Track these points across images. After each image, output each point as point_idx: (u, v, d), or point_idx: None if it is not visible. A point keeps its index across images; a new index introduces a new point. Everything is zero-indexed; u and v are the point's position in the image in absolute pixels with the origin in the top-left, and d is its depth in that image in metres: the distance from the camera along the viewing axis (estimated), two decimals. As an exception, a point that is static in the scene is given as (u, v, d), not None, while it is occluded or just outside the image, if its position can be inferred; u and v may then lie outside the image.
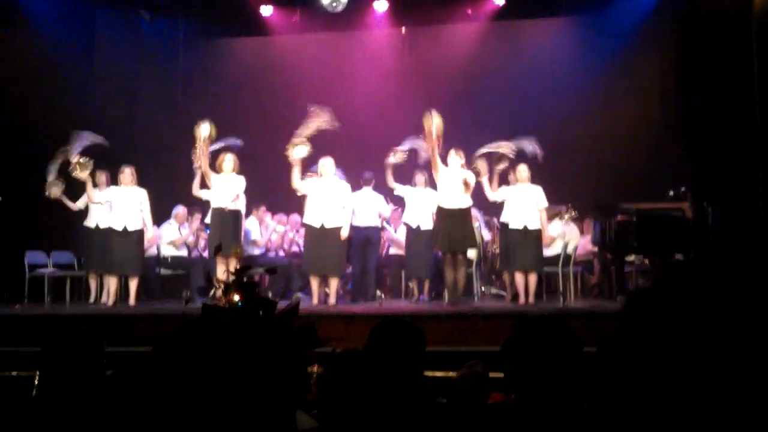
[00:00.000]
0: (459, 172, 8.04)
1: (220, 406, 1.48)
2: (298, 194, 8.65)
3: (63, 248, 9.76)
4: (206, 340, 1.55)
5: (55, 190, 8.97)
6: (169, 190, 10.34)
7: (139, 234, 8.74)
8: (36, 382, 2.68)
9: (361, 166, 9.39)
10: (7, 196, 9.30)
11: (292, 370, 1.75)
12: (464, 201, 8.06)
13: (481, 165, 8.30)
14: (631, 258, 9.31)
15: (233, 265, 7.71)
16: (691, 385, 1.49)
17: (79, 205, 9.31)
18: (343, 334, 6.20)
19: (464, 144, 8.30)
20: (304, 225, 8.77)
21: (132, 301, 8.67)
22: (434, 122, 7.88)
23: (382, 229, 9.78)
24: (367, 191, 9.15)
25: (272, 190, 10.41)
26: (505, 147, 8.35)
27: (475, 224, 8.67)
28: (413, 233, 8.96)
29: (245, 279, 3.69)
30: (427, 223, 8.72)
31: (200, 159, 8.38)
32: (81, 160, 8.66)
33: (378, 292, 9.27)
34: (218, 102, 11.18)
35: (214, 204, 8.48)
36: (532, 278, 8.33)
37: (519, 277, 8.36)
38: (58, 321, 7.27)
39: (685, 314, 1.55)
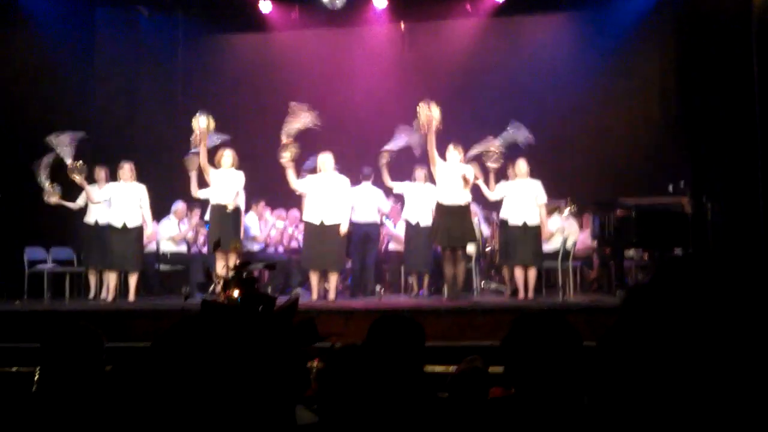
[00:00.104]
0: (458, 168, 8.03)
1: (220, 401, 1.48)
2: (297, 193, 8.65)
3: (62, 244, 9.76)
4: (205, 336, 1.56)
5: (53, 198, 8.97)
6: (169, 186, 10.33)
7: (139, 230, 8.75)
8: (36, 378, 2.69)
9: (361, 162, 9.39)
10: (6, 193, 9.29)
11: (292, 366, 1.75)
12: (463, 196, 8.06)
13: (475, 169, 8.25)
14: (630, 253, 9.32)
15: (232, 260, 7.72)
16: (690, 379, 1.49)
17: (80, 203, 9.31)
18: (343, 329, 6.19)
19: (463, 139, 8.30)
20: (303, 221, 8.77)
21: (131, 296, 8.68)
22: (433, 114, 7.85)
23: (382, 224, 9.78)
24: (367, 186, 9.15)
25: (272, 185, 10.41)
26: (494, 147, 8.30)
27: (475, 219, 8.67)
28: (413, 229, 8.96)
29: (244, 275, 3.70)
30: (426, 219, 8.71)
31: (198, 145, 8.37)
32: (78, 165, 8.68)
33: (377, 288, 9.28)
34: (218, 98, 11.17)
35: (213, 200, 8.48)
36: (532, 273, 8.33)
37: (518, 272, 8.36)
38: (58, 317, 7.27)
39: (685, 309, 1.55)
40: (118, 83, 11.54)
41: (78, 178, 8.75)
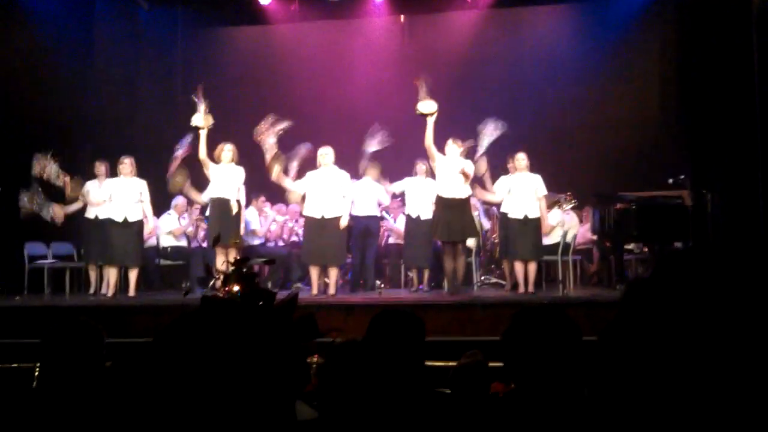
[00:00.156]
0: (457, 162, 8.03)
1: (220, 396, 1.48)
2: (300, 194, 8.62)
3: (62, 239, 9.76)
4: (206, 332, 1.55)
5: (58, 213, 8.98)
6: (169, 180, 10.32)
7: (139, 225, 8.75)
8: (36, 374, 2.69)
9: (361, 155, 9.37)
10: (6, 187, 9.28)
11: (292, 361, 1.75)
12: (463, 190, 8.06)
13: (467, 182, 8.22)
14: (631, 246, 9.31)
15: (233, 255, 7.71)
16: (690, 372, 1.49)
17: (80, 203, 9.30)
18: (343, 324, 6.21)
19: (463, 132, 8.28)
20: (303, 216, 8.76)
21: (132, 291, 8.68)
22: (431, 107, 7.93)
23: (382, 218, 9.77)
24: (367, 180, 9.14)
25: (272, 180, 10.40)
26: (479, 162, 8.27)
27: (475, 213, 8.67)
28: (413, 223, 8.95)
29: (244, 270, 3.70)
30: (427, 213, 8.70)
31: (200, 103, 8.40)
32: (67, 180, 8.82)
33: (377, 282, 9.28)
34: (218, 91, 11.13)
35: (213, 194, 8.47)
36: (532, 267, 8.33)
37: (518, 266, 8.36)
38: (58, 312, 7.28)
39: (685, 303, 1.55)
40: (117, 76, 11.52)
41: (72, 194, 8.88)
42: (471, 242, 8.79)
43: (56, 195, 9.02)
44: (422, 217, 8.81)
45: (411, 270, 9.45)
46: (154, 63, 12.05)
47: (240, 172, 8.49)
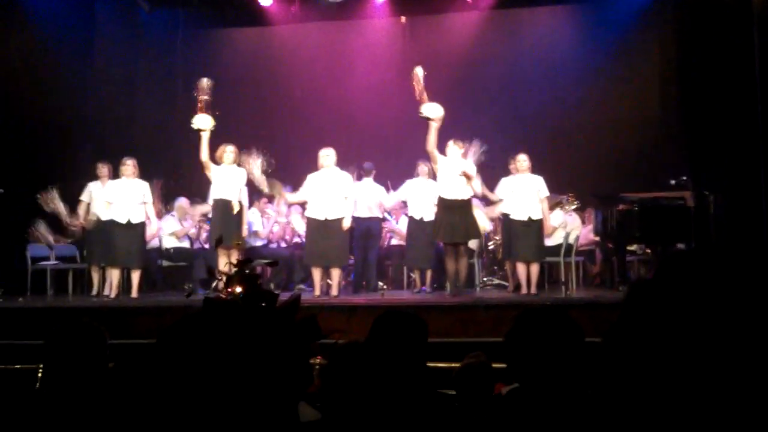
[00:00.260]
0: (459, 163, 8.02)
1: (223, 397, 1.48)
2: (305, 199, 8.62)
3: (60, 225, 9.76)
4: (208, 333, 1.56)
5: (74, 223, 9.07)
6: (171, 181, 10.33)
7: (142, 226, 8.76)
8: (39, 375, 2.69)
9: (362, 157, 9.38)
10: (9, 189, 9.29)
11: (295, 362, 1.75)
12: (465, 192, 8.05)
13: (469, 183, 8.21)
14: (633, 247, 9.30)
15: (235, 256, 7.71)
16: (693, 372, 1.49)
17: (84, 198, 9.32)
18: (346, 325, 6.21)
19: (464, 133, 8.28)
20: (306, 217, 8.76)
21: (134, 293, 8.69)
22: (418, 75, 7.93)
23: (384, 220, 9.77)
24: (368, 182, 9.14)
25: (273, 180, 10.41)
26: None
27: (475, 210, 8.66)
28: (415, 224, 8.95)
29: (247, 271, 3.69)
30: (429, 215, 8.70)
31: (201, 101, 8.40)
32: (71, 219, 8.96)
33: (380, 284, 9.28)
34: (218, 93, 11.16)
35: (215, 196, 8.47)
36: (534, 268, 8.32)
37: (521, 268, 8.35)
38: (61, 314, 7.27)
39: (687, 304, 1.55)
40: (118, 77, 11.54)
41: (78, 221, 8.98)
42: (473, 243, 8.78)
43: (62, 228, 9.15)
44: (425, 219, 8.81)
45: (413, 271, 9.45)
46: (155, 64, 12.05)
47: (242, 174, 8.49)
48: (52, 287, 9.37)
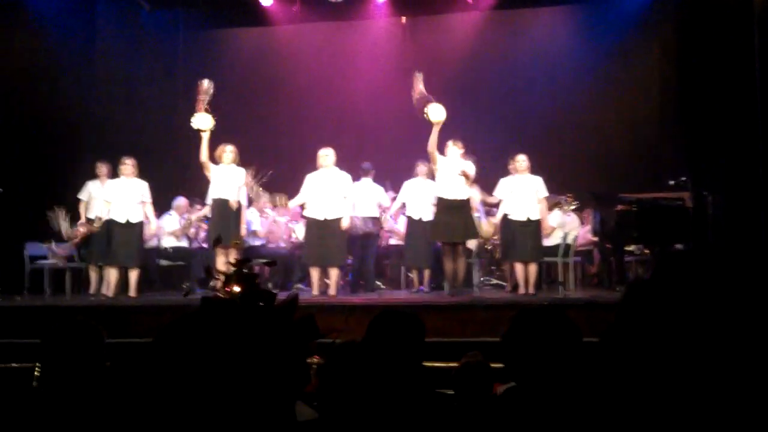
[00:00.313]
0: (458, 163, 8.03)
1: (220, 397, 1.48)
2: (305, 200, 8.63)
3: (63, 240, 9.76)
4: (206, 332, 1.55)
5: (81, 230, 9.05)
6: (170, 180, 10.34)
7: (140, 226, 8.75)
8: (36, 374, 2.69)
9: (361, 157, 9.38)
10: (7, 188, 9.29)
11: (292, 362, 1.75)
12: (464, 192, 8.05)
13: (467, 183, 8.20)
14: (631, 248, 9.31)
15: (233, 256, 7.71)
16: (690, 373, 1.49)
17: (83, 198, 9.31)
18: (343, 325, 6.20)
19: (464, 134, 8.28)
20: (304, 217, 8.76)
21: (132, 292, 8.68)
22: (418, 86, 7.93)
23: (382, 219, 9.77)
24: (367, 182, 9.14)
25: (272, 180, 10.40)
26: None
27: (476, 215, 8.67)
28: (413, 224, 8.96)
29: (245, 270, 3.69)
30: (427, 215, 8.70)
31: (201, 101, 8.38)
32: (72, 233, 8.91)
33: (378, 283, 9.28)
34: (218, 92, 11.16)
35: (214, 195, 8.46)
36: (532, 268, 8.33)
37: (519, 268, 8.36)
38: (59, 312, 7.27)
39: (684, 304, 1.55)
40: (118, 77, 11.53)
41: (81, 233, 8.92)
42: (471, 243, 8.78)
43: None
44: (423, 219, 8.81)
45: (411, 271, 9.45)
46: (155, 63, 12.04)
47: (241, 173, 8.48)
48: (49, 286, 9.36)
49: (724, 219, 8.50)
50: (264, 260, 7.20)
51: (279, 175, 9.92)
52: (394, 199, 9.59)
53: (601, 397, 1.79)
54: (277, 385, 1.54)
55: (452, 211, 7.99)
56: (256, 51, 12.33)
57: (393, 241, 10.13)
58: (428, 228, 8.49)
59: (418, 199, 8.93)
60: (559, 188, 9.30)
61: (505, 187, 8.50)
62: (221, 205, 8.40)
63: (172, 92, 11.76)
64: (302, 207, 8.94)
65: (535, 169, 8.50)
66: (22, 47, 10.39)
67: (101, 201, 8.89)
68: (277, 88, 11.80)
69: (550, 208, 8.91)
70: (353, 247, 8.99)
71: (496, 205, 8.88)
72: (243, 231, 8.74)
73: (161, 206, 9.62)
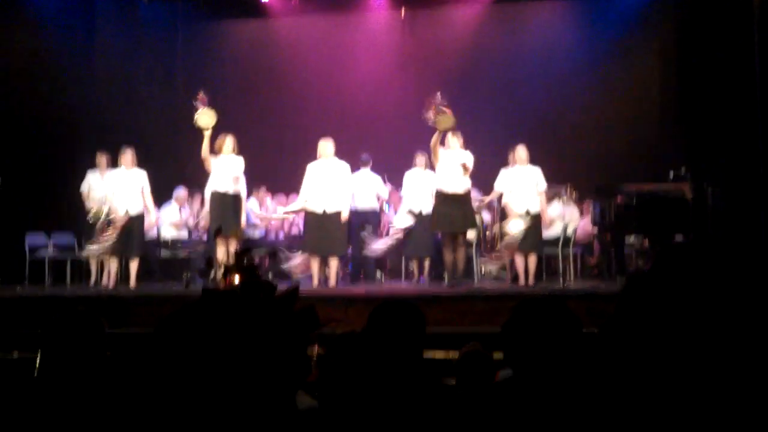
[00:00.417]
0: (457, 155, 8.02)
1: (221, 387, 1.49)
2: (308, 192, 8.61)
3: (63, 230, 9.77)
4: (206, 323, 1.56)
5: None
6: (170, 171, 10.33)
7: (140, 216, 8.75)
8: (37, 364, 2.69)
9: (360, 148, 9.37)
10: (7, 178, 9.29)
11: (293, 352, 1.76)
12: (463, 183, 8.05)
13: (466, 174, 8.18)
14: (631, 239, 9.31)
15: (233, 246, 7.72)
16: (690, 365, 1.49)
17: (84, 189, 9.30)
18: (344, 315, 6.22)
19: (463, 126, 8.27)
20: (304, 209, 8.76)
21: (132, 283, 8.69)
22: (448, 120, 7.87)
23: (382, 211, 9.78)
24: (365, 173, 9.14)
25: (272, 171, 10.41)
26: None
27: (475, 205, 8.67)
28: (414, 215, 8.97)
29: (245, 261, 3.69)
30: (427, 206, 8.70)
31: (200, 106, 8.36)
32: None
33: (378, 274, 9.28)
34: (217, 85, 11.15)
35: (214, 186, 8.45)
36: (532, 259, 8.34)
37: (519, 259, 8.37)
38: (59, 303, 7.28)
39: (684, 296, 1.55)
40: (117, 70, 11.51)
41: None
42: (471, 234, 8.79)
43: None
44: (423, 210, 8.82)
45: (412, 262, 9.46)
46: (154, 55, 12.02)
47: (239, 162, 8.47)
48: (50, 276, 9.38)
49: (724, 210, 8.50)
50: (264, 251, 7.21)
51: (278, 166, 9.94)
52: (392, 191, 9.60)
53: (601, 388, 1.79)
54: (278, 375, 1.54)
55: (452, 202, 7.99)
56: (255, 43, 12.30)
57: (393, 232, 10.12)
58: (428, 219, 8.50)
59: (418, 190, 8.93)
60: (559, 179, 9.30)
61: (504, 179, 8.50)
62: (221, 195, 8.39)
63: (171, 84, 11.74)
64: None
65: (535, 160, 8.49)
66: (22, 40, 10.38)
67: (100, 191, 8.89)
68: (276, 81, 11.78)
69: (550, 199, 8.91)
70: (353, 237, 8.99)
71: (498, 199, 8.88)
72: (243, 222, 8.74)
73: (161, 197, 9.61)
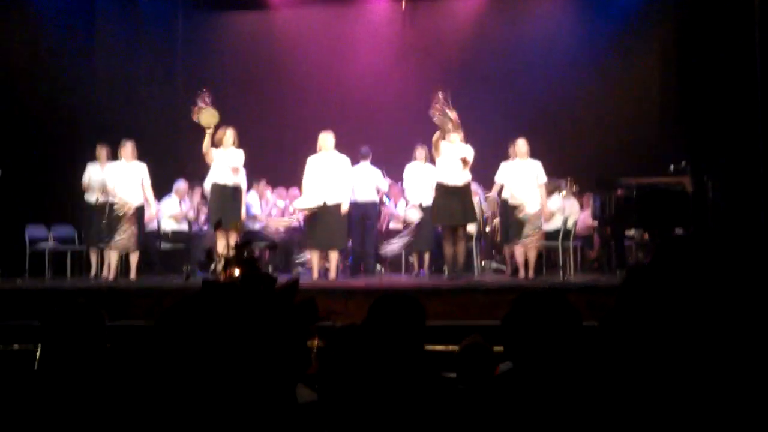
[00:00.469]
0: (458, 149, 8.01)
1: (221, 380, 1.49)
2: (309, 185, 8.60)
3: (63, 222, 9.78)
4: (206, 315, 1.56)
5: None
6: (170, 164, 10.33)
7: (140, 208, 8.75)
8: (37, 356, 2.70)
9: (360, 141, 9.36)
10: (7, 170, 9.29)
11: (293, 345, 1.75)
12: (463, 176, 8.05)
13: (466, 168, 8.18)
14: (631, 232, 9.31)
15: (233, 239, 7.72)
16: (689, 359, 1.50)
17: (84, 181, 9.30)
18: (343, 308, 6.22)
19: (463, 119, 8.26)
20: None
21: (132, 275, 8.69)
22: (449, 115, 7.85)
23: (382, 203, 9.78)
24: (365, 166, 9.13)
25: (272, 164, 10.40)
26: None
27: (475, 199, 8.67)
28: (422, 209, 8.99)
29: (245, 254, 3.70)
30: (427, 199, 8.71)
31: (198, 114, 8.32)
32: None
33: (378, 267, 9.29)
34: (218, 77, 11.13)
35: (215, 179, 8.45)
36: (532, 253, 8.34)
37: (519, 252, 8.37)
38: (59, 295, 7.29)
39: (684, 289, 1.55)
40: (118, 62, 11.48)
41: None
42: (471, 228, 8.79)
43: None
44: (423, 203, 8.82)
45: (412, 255, 9.46)
46: (154, 48, 11.99)
47: (239, 155, 8.46)
48: (50, 269, 9.38)
49: (725, 204, 8.50)
50: (264, 243, 7.21)
51: (278, 159, 9.93)
52: (391, 184, 9.60)
53: (601, 381, 1.79)
54: (278, 368, 1.54)
55: (452, 196, 7.99)
56: (255, 35, 12.28)
57: (393, 225, 10.13)
58: (429, 212, 8.51)
59: (418, 183, 8.93)
60: (559, 172, 9.30)
61: (504, 172, 8.49)
62: (222, 188, 8.39)
63: (172, 76, 11.72)
64: (302, 190, 8.93)
65: (535, 154, 8.49)
66: (22, 34, 10.36)
67: (101, 183, 8.89)
68: (276, 73, 11.76)
69: (550, 193, 8.91)
70: (353, 230, 9.00)
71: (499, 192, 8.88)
72: (243, 214, 8.74)
73: (161, 190, 9.60)
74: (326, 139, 8.46)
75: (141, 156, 8.85)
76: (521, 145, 8.42)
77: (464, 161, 7.94)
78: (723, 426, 1.42)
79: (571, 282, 8.15)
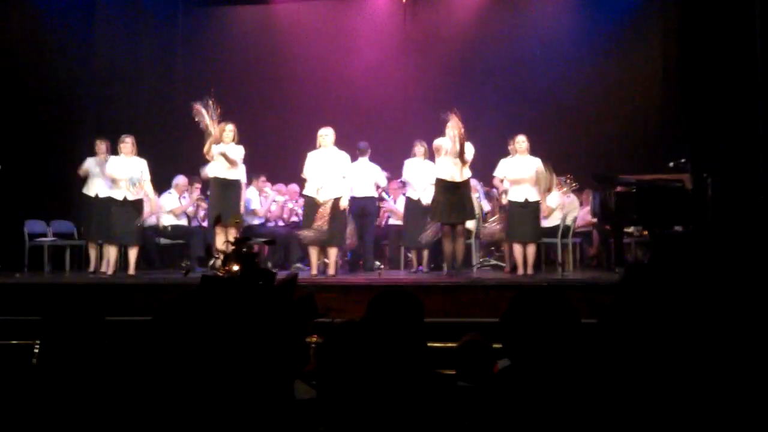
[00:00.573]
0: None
1: (219, 376, 1.49)
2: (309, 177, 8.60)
3: (63, 217, 9.77)
4: (205, 310, 1.56)
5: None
6: (170, 159, 10.32)
7: (139, 204, 8.74)
8: (36, 351, 2.70)
9: (359, 136, 9.35)
10: (6, 165, 9.28)
11: (291, 341, 1.76)
12: (463, 173, 8.04)
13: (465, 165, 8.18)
14: (630, 229, 9.32)
15: (232, 235, 7.72)
16: (688, 355, 1.50)
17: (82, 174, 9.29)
18: (342, 305, 6.22)
19: (464, 114, 8.25)
20: (303, 196, 8.75)
21: (131, 270, 8.68)
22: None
23: (381, 199, 9.77)
24: (363, 161, 9.12)
25: (272, 159, 10.40)
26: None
27: (475, 195, 8.67)
28: (413, 204, 8.98)
29: (244, 249, 3.69)
30: (427, 195, 8.70)
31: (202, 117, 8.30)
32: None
33: (377, 263, 9.28)
34: (218, 70, 11.12)
35: (214, 174, 8.45)
36: (531, 249, 8.33)
37: (518, 249, 8.37)
38: (58, 290, 7.29)
39: (683, 287, 1.55)
40: (118, 54, 11.46)
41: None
42: (470, 224, 8.79)
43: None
44: (422, 199, 8.82)
45: (411, 251, 9.46)
46: (155, 41, 11.98)
47: (239, 150, 8.46)
48: (49, 264, 9.38)
49: (724, 201, 8.49)
50: (263, 239, 7.20)
51: (278, 154, 9.92)
52: (389, 179, 9.59)
53: (600, 378, 1.79)
54: (277, 364, 1.54)
55: (451, 192, 7.98)
56: (256, 28, 12.27)
57: (392, 221, 10.14)
58: (428, 208, 8.50)
59: (417, 179, 8.92)
60: (558, 169, 9.30)
61: (504, 168, 8.49)
62: (221, 184, 8.39)
63: (172, 71, 11.71)
64: (301, 186, 8.92)
65: (535, 150, 8.48)
66: (22, 23, 10.34)
67: (100, 178, 8.88)
68: (277, 66, 11.75)
69: (549, 189, 8.91)
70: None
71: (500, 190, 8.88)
72: (242, 210, 8.74)
73: (161, 185, 9.60)
74: (326, 135, 8.44)
75: (140, 152, 8.83)
76: (521, 141, 8.41)
77: (464, 159, 7.93)
78: (722, 423, 1.42)
79: (569, 279, 8.15)
